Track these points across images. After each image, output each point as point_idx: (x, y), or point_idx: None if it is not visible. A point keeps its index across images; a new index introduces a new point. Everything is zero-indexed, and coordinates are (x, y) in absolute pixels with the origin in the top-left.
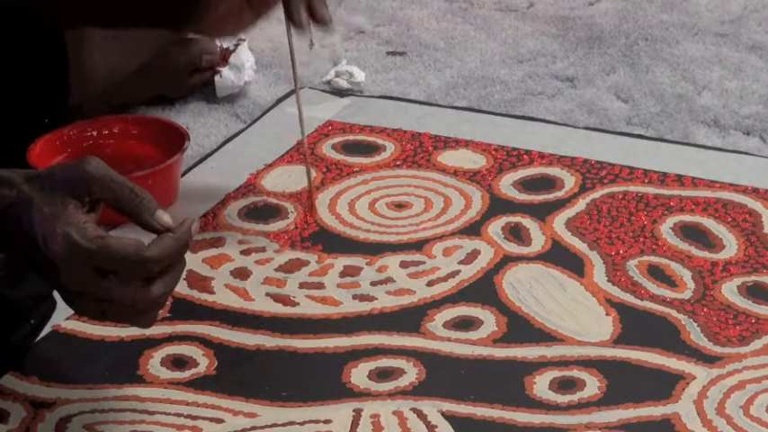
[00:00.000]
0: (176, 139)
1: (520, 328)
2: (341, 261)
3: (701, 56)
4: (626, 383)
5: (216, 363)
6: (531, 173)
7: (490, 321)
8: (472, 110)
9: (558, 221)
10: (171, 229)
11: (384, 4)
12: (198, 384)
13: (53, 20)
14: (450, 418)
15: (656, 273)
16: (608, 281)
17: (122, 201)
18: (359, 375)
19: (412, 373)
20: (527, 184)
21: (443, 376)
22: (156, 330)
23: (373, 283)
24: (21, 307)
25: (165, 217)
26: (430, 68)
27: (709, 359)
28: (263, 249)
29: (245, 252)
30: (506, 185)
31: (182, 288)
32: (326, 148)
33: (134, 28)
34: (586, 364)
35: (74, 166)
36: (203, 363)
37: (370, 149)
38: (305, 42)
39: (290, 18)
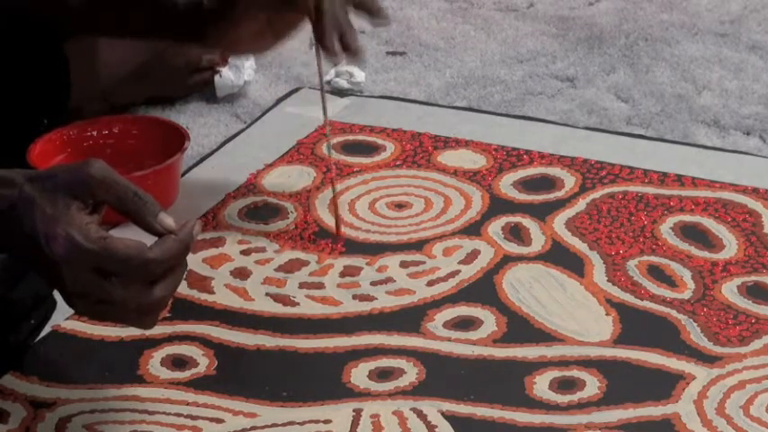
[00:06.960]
0: (176, 139)
1: (520, 328)
2: (341, 261)
3: (701, 56)
4: (626, 383)
5: (216, 363)
6: (531, 173)
7: (490, 321)
8: (472, 110)
9: (558, 221)
10: (173, 232)
11: (384, 4)
12: (198, 384)
13: (67, 29)
14: (451, 418)
15: (656, 273)
16: (608, 281)
17: (126, 203)
18: (359, 375)
19: (412, 373)
20: (527, 184)
21: (443, 376)
22: (156, 330)
23: (373, 283)
24: (21, 307)
25: (167, 220)
26: (430, 68)
27: (709, 359)
28: (263, 249)
29: (245, 252)
30: (506, 185)
31: (182, 288)
32: (326, 148)
33: (155, 41)
34: (586, 364)
35: (77, 169)
36: (203, 363)
37: (370, 149)
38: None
39: (322, 44)
